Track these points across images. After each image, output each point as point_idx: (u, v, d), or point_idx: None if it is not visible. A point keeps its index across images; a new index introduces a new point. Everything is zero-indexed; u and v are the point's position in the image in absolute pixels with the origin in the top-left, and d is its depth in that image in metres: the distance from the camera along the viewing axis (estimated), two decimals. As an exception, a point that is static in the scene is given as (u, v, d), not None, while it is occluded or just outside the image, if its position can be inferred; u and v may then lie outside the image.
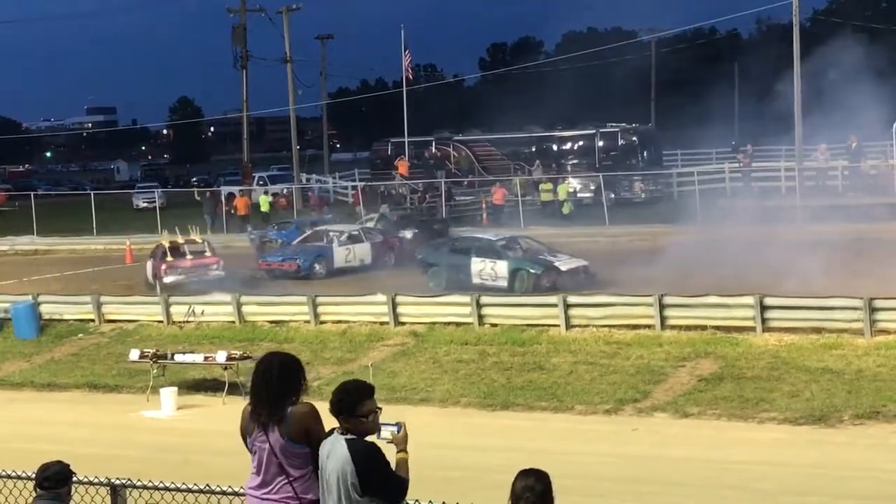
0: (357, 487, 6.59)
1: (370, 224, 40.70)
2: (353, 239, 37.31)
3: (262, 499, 6.97)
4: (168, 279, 34.01)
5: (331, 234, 37.78)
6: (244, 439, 7.11)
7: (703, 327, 24.61)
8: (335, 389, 6.92)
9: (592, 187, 51.34)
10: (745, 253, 34.66)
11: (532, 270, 31.03)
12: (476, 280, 31.36)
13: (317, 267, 35.93)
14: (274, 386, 6.91)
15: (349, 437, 6.67)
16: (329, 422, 6.98)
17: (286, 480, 6.91)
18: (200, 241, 36.27)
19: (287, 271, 35.71)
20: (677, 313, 25.11)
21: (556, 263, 31.47)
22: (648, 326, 25.07)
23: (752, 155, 51.65)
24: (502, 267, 31.22)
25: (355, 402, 6.65)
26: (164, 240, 35.78)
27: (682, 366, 23.11)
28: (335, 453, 6.66)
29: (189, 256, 34.99)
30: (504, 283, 30.88)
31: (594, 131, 56.39)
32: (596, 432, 20.16)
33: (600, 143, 55.70)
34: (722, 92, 78.95)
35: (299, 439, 6.88)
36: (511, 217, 46.43)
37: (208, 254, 35.37)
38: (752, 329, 24.20)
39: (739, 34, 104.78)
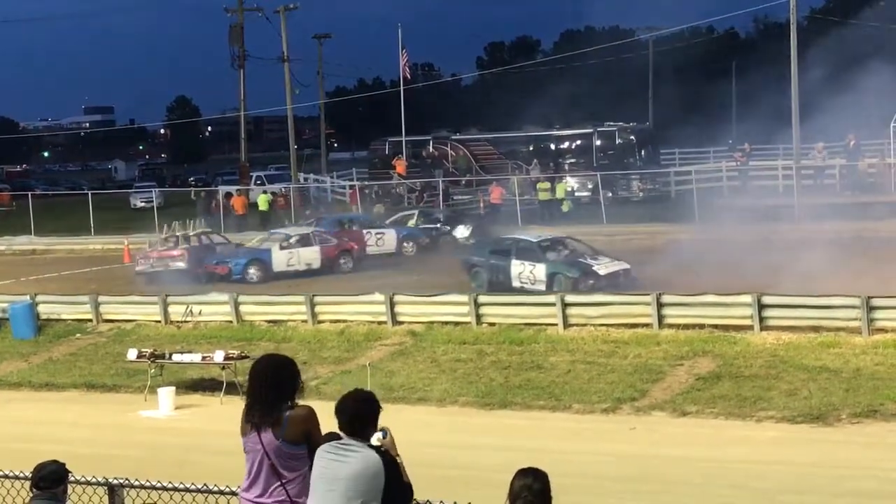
0: (378, 497, 6.56)
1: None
2: (301, 242, 37.14)
3: (255, 502, 6.96)
4: (138, 268, 37.36)
5: (275, 237, 38.07)
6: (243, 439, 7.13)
7: (701, 326, 24.63)
8: (345, 404, 6.84)
9: (590, 186, 51.38)
10: (742, 252, 34.67)
11: (569, 275, 30.51)
12: (516, 283, 31.06)
13: (251, 271, 35.90)
14: (268, 388, 6.92)
15: (375, 446, 6.61)
16: (327, 425, 6.97)
17: (279, 483, 6.88)
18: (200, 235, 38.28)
19: (219, 275, 35.82)
20: (675, 312, 25.11)
21: (595, 267, 30.85)
22: (646, 325, 25.08)
23: (750, 154, 51.67)
24: (541, 270, 30.82)
25: (376, 416, 6.51)
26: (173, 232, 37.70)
27: (679, 364, 23.11)
28: (356, 463, 6.55)
29: (159, 248, 37.41)
30: (542, 287, 30.33)
31: (592, 130, 56.45)
32: (594, 431, 20.16)
33: (598, 143, 55.75)
34: (719, 91, 79.21)
35: (296, 441, 6.86)
36: (509, 216, 46.44)
37: (175, 249, 37.13)
38: (750, 328, 24.20)
39: (737, 33, 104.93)
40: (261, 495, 6.94)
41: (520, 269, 31.17)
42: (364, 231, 40.32)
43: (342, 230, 40.16)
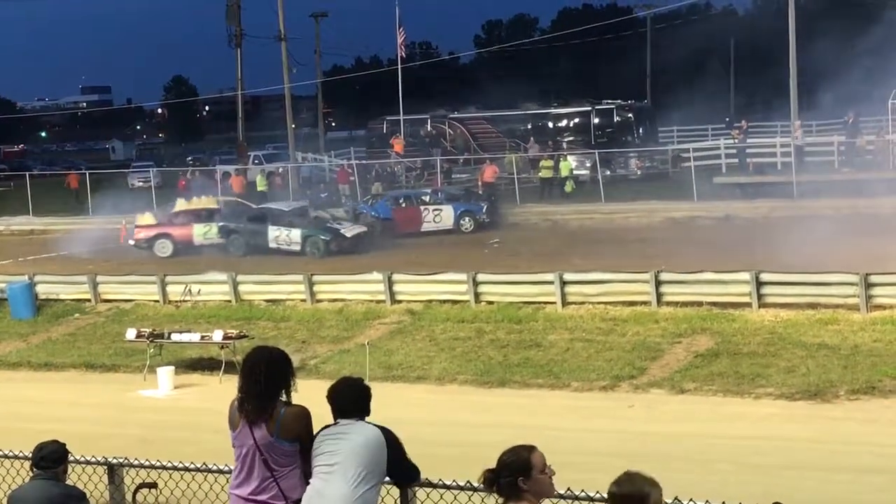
0: (382, 470, 6.70)
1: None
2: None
3: (248, 499, 6.93)
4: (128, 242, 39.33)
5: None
6: (231, 433, 7.09)
7: (699, 303, 24.64)
8: (337, 391, 6.92)
9: (588, 164, 51.31)
10: (739, 229, 34.72)
11: (322, 237, 36.07)
12: (273, 245, 36.19)
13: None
14: (262, 382, 6.85)
15: (377, 422, 6.76)
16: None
17: (272, 478, 6.86)
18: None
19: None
20: (673, 290, 25.13)
21: (342, 230, 36.75)
22: (645, 303, 25.09)
23: (747, 131, 51.58)
24: (296, 234, 36.12)
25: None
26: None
27: (678, 342, 23.14)
28: (357, 436, 6.68)
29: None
30: (297, 248, 35.92)
31: (590, 108, 56.37)
32: (592, 409, 20.19)
33: (596, 120, 55.67)
34: (717, 68, 79.07)
35: (289, 439, 6.86)
36: (507, 195, 46.38)
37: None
38: (749, 305, 24.22)
39: (735, 10, 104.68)
40: (252, 491, 6.90)
41: (276, 234, 36.27)
42: (421, 207, 40.36)
43: (398, 207, 40.31)
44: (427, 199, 41.29)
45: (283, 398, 6.93)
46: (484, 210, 40.69)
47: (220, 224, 37.71)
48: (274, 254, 35.69)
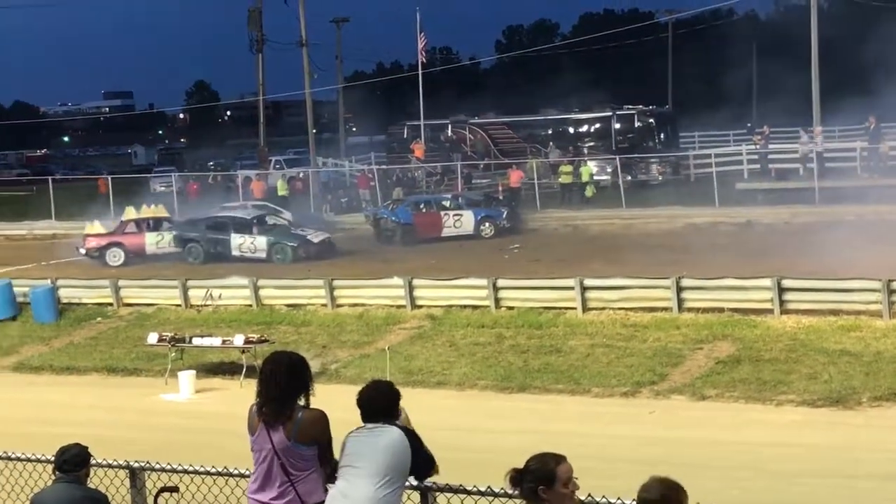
0: (406, 472, 6.79)
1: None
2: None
3: (265, 503, 6.96)
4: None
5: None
6: (250, 437, 7.12)
7: (721, 310, 24.55)
8: (366, 395, 6.97)
9: (609, 170, 51.21)
10: (761, 235, 34.58)
11: (290, 244, 36.35)
12: (236, 252, 36.27)
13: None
14: (281, 386, 6.90)
15: (397, 424, 6.86)
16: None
17: (289, 483, 6.88)
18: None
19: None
20: (694, 296, 25.06)
21: (309, 237, 37.02)
22: (665, 309, 25.02)
23: (769, 136, 51.39)
24: (261, 241, 36.34)
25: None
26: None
27: (699, 348, 23.08)
28: (383, 439, 6.76)
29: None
30: (263, 255, 35.97)
31: (611, 114, 56.23)
32: (613, 415, 20.16)
33: (617, 126, 55.54)
34: (739, 74, 78.78)
35: (306, 443, 6.89)
36: (527, 200, 46.34)
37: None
38: (770, 311, 24.13)
39: (757, 15, 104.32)
40: (270, 494, 6.93)
41: (240, 241, 36.43)
42: (441, 213, 40.43)
43: (419, 212, 40.38)
44: (448, 204, 41.31)
45: (302, 402, 6.96)
46: (504, 215, 40.69)
47: (176, 233, 37.83)
48: (237, 262, 35.51)
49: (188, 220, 39.63)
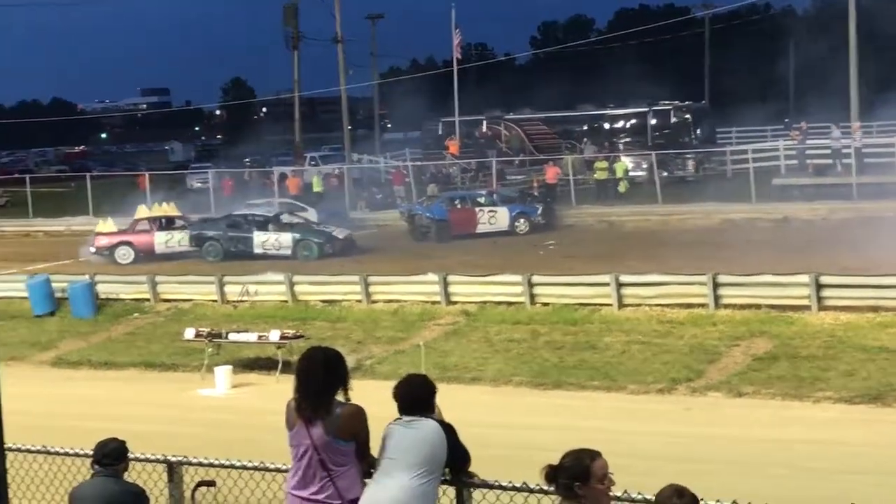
0: (442, 465, 6.84)
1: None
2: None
3: (305, 499, 6.98)
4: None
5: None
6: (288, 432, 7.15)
7: (758, 306, 24.43)
8: (402, 389, 7.02)
9: (645, 166, 51.00)
10: (798, 231, 34.36)
11: (316, 240, 36.40)
12: (258, 250, 36.19)
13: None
14: (318, 381, 6.93)
15: (434, 417, 6.91)
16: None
17: (328, 478, 6.91)
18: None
19: None
20: (731, 292, 24.95)
21: (334, 233, 37.22)
22: (702, 305, 24.93)
23: (807, 132, 51.04)
24: (286, 238, 36.28)
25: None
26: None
27: (736, 345, 22.98)
28: (420, 431, 6.81)
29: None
30: (288, 252, 35.87)
31: (647, 109, 55.98)
32: (649, 412, 20.10)
33: (653, 121, 55.30)
34: (776, 69, 78.32)
35: (345, 438, 6.91)
36: (563, 196, 46.25)
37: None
38: (808, 308, 23.99)
39: (794, 10, 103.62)
40: (309, 490, 6.96)
41: (263, 238, 36.36)
42: (476, 209, 40.43)
43: (454, 208, 40.43)
44: (482, 200, 41.29)
45: (340, 398, 6.98)
46: (539, 212, 40.62)
47: (193, 232, 37.86)
48: (259, 259, 35.47)
49: (204, 219, 39.85)
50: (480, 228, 39.64)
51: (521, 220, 40.11)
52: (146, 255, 38.06)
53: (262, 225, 37.10)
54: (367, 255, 36.22)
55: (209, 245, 37.13)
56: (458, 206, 40.74)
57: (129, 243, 38.45)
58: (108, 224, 39.55)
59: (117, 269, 35.40)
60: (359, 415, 6.95)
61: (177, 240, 38.35)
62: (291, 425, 7.04)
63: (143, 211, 40.26)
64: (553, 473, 5.72)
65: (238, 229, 37.10)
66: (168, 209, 40.60)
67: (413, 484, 6.71)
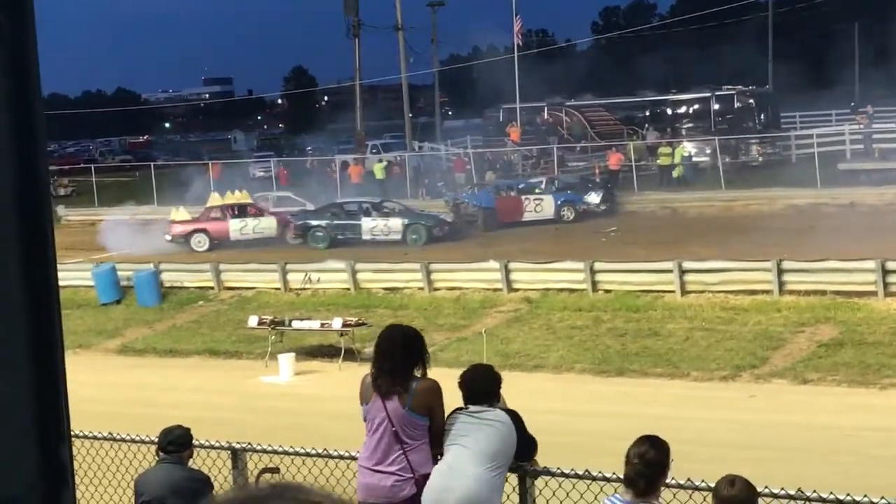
0: (511, 455, 6.89)
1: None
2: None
3: (376, 471, 7.02)
4: None
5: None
6: (362, 407, 7.20)
7: (823, 292, 24.16)
8: (469, 379, 7.04)
9: (708, 151, 50.56)
10: (865, 217, 33.89)
11: (425, 223, 36.85)
12: (367, 237, 36.69)
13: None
14: (397, 357, 7.01)
15: (500, 407, 6.95)
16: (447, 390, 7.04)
17: (401, 451, 6.96)
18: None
19: None
20: (796, 278, 24.68)
21: (442, 216, 37.95)
22: (766, 292, 24.69)
23: (873, 116, 50.33)
24: (396, 223, 36.77)
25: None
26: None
27: (800, 331, 22.75)
28: (492, 422, 6.83)
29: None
30: (398, 237, 36.38)
31: (710, 94, 55.47)
32: (712, 399, 19.96)
33: (716, 107, 54.80)
34: (841, 52, 77.26)
35: (420, 412, 6.95)
36: (625, 182, 46.00)
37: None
38: (874, 294, 23.68)
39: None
40: (382, 462, 7.01)
41: (372, 224, 36.88)
42: (522, 197, 40.43)
43: (500, 196, 40.48)
44: (528, 188, 41.30)
45: (418, 374, 7.05)
46: (583, 199, 40.48)
47: (299, 222, 38.16)
48: (367, 245, 35.71)
49: (307, 210, 40.03)
50: (527, 216, 39.60)
51: (567, 208, 39.99)
52: (220, 243, 38.46)
53: (368, 212, 37.58)
54: (434, 243, 36.07)
55: (315, 233, 37.53)
56: (504, 195, 40.73)
57: (204, 231, 38.89)
58: (181, 212, 40.02)
59: (183, 256, 35.66)
60: (435, 389, 7.02)
61: (251, 227, 38.67)
62: (366, 399, 7.10)
63: (215, 199, 40.65)
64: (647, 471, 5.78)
65: (345, 217, 37.62)
66: (240, 197, 40.96)
67: (488, 476, 6.74)
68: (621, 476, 6.00)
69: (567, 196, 40.66)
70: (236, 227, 38.85)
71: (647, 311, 25.06)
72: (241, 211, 39.64)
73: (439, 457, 6.96)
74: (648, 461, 5.86)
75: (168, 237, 39.16)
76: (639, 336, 23.71)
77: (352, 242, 36.44)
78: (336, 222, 37.51)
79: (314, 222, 38.03)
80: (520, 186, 41.82)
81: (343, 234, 37.06)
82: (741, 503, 5.54)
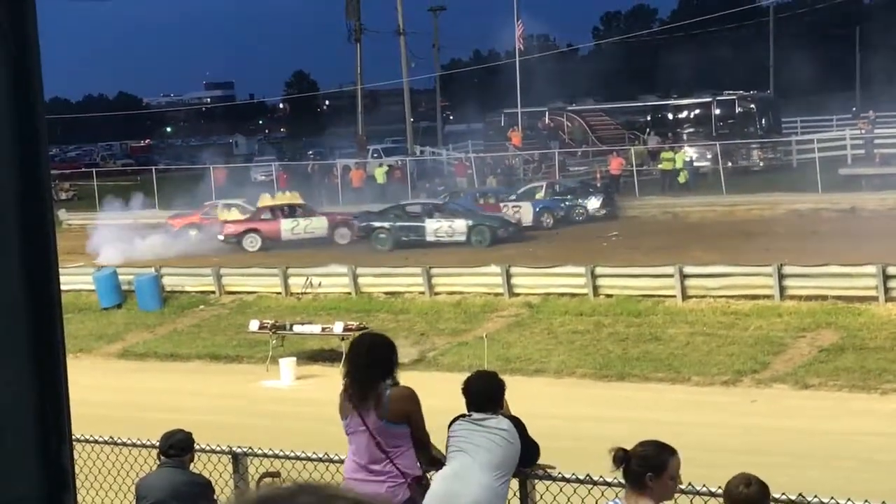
0: (515, 463, 6.87)
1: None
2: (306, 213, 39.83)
3: (369, 481, 6.99)
4: None
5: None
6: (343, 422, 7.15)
7: (824, 297, 24.15)
8: (471, 385, 7.00)
9: (709, 156, 50.55)
10: (865, 222, 33.90)
11: (489, 224, 36.67)
12: (431, 238, 36.40)
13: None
14: (361, 367, 6.90)
15: (504, 414, 6.90)
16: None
17: (387, 460, 6.93)
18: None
19: None
20: (797, 283, 24.69)
21: (506, 217, 37.86)
22: (767, 297, 24.68)
23: (875, 121, 50.32)
24: (460, 224, 36.43)
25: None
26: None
27: (802, 336, 22.74)
28: (495, 429, 6.81)
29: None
30: (462, 238, 36.02)
31: (710, 99, 55.48)
32: (714, 403, 19.96)
33: (717, 112, 54.80)
34: (842, 58, 77.34)
35: (397, 421, 6.90)
36: (626, 187, 46.00)
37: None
38: (875, 299, 23.68)
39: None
40: (371, 472, 6.97)
41: (436, 226, 36.60)
42: (500, 204, 40.48)
43: (478, 203, 40.54)
44: (506, 196, 41.62)
45: (389, 382, 6.96)
46: (562, 205, 40.51)
47: (362, 224, 38.10)
48: (431, 246, 35.65)
49: (367, 212, 39.94)
50: None
51: (546, 215, 40.06)
52: (272, 242, 38.51)
53: (431, 213, 37.53)
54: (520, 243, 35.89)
55: (379, 234, 37.39)
56: (482, 203, 40.83)
57: (256, 231, 38.97)
58: (233, 213, 40.29)
59: (184, 261, 35.62)
60: (408, 396, 6.91)
61: (302, 227, 38.79)
62: (345, 413, 7.03)
63: (266, 199, 40.85)
64: (624, 457, 5.68)
65: (408, 218, 37.55)
66: (291, 197, 41.16)
67: (494, 485, 6.73)
68: (622, 480, 5.99)
69: (545, 203, 40.69)
70: (288, 227, 38.93)
71: (649, 315, 25.06)
72: (291, 211, 39.74)
73: (443, 462, 6.94)
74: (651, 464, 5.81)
75: (221, 237, 39.30)
76: (640, 341, 23.71)
77: (416, 244, 36.30)
78: (400, 224, 37.37)
79: (378, 224, 37.94)
80: (498, 195, 41.93)
81: (407, 236, 36.88)
82: None
